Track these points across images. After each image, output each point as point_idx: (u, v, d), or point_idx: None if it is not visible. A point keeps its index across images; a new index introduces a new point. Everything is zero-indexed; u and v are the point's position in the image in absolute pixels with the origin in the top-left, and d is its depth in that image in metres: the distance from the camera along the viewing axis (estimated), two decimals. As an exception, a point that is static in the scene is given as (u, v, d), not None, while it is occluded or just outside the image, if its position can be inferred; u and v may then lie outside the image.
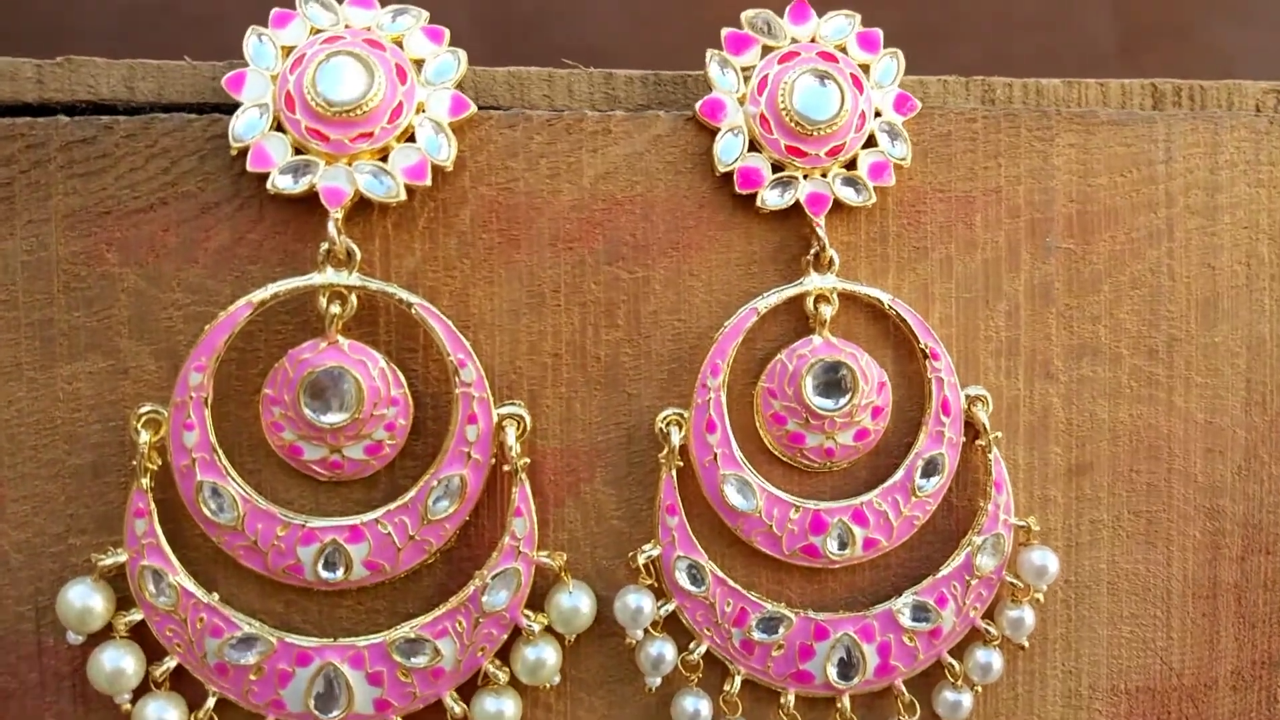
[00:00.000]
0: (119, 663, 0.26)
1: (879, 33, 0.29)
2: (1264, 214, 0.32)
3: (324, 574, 0.26)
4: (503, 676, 0.27)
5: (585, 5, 0.63)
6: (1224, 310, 0.32)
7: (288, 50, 0.26)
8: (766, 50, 0.29)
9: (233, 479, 0.26)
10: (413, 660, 0.26)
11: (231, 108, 0.27)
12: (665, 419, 0.28)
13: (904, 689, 0.29)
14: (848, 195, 0.28)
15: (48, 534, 0.27)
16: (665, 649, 0.28)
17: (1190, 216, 0.31)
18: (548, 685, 0.28)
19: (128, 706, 0.26)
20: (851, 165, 0.29)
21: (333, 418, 0.26)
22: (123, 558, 0.26)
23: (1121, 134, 0.31)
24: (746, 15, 0.29)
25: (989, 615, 0.30)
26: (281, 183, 0.25)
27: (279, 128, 0.26)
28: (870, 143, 0.29)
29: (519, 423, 0.27)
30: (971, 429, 0.30)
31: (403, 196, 0.26)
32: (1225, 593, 0.32)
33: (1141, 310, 0.31)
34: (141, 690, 0.26)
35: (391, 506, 0.26)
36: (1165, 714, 0.32)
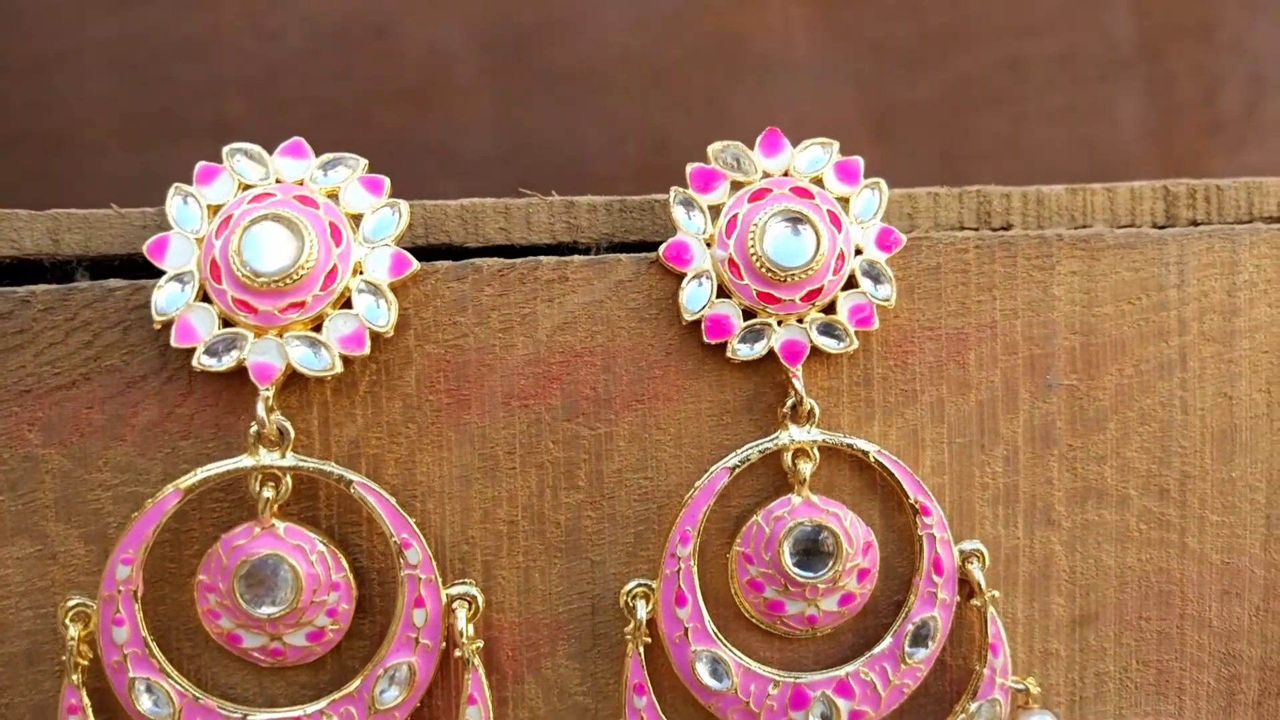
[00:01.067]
0: None
1: (859, 162, 0.27)
2: (1287, 335, 0.29)
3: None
4: None
5: (585, 18, 0.61)
6: (1242, 443, 0.29)
7: (215, 209, 0.24)
8: (736, 186, 0.26)
9: (167, 674, 0.24)
10: None
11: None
12: (630, 592, 0.26)
13: None
14: (827, 344, 0.26)
15: (-22, 726, 0.25)
16: (636, 837, 0.26)
17: (1205, 344, 0.29)
18: None
19: None
20: (830, 309, 0.26)
21: (269, 610, 0.24)
22: (53, 757, 0.24)
23: (1129, 258, 0.28)
24: (714, 149, 0.26)
25: (986, 785, 0.28)
26: (207, 361, 0.23)
27: (205, 298, 0.24)
28: (850, 283, 0.26)
29: (470, 604, 0.25)
30: (966, 586, 0.27)
31: (339, 369, 0.24)
32: (1244, 741, 0.30)
33: (1151, 448, 0.29)
34: None
35: (336, 696, 0.24)
36: None
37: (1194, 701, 0.29)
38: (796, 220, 0.25)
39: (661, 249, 0.26)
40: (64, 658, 0.24)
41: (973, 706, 0.27)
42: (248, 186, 0.25)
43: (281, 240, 0.23)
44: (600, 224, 0.28)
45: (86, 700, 0.24)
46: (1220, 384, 0.29)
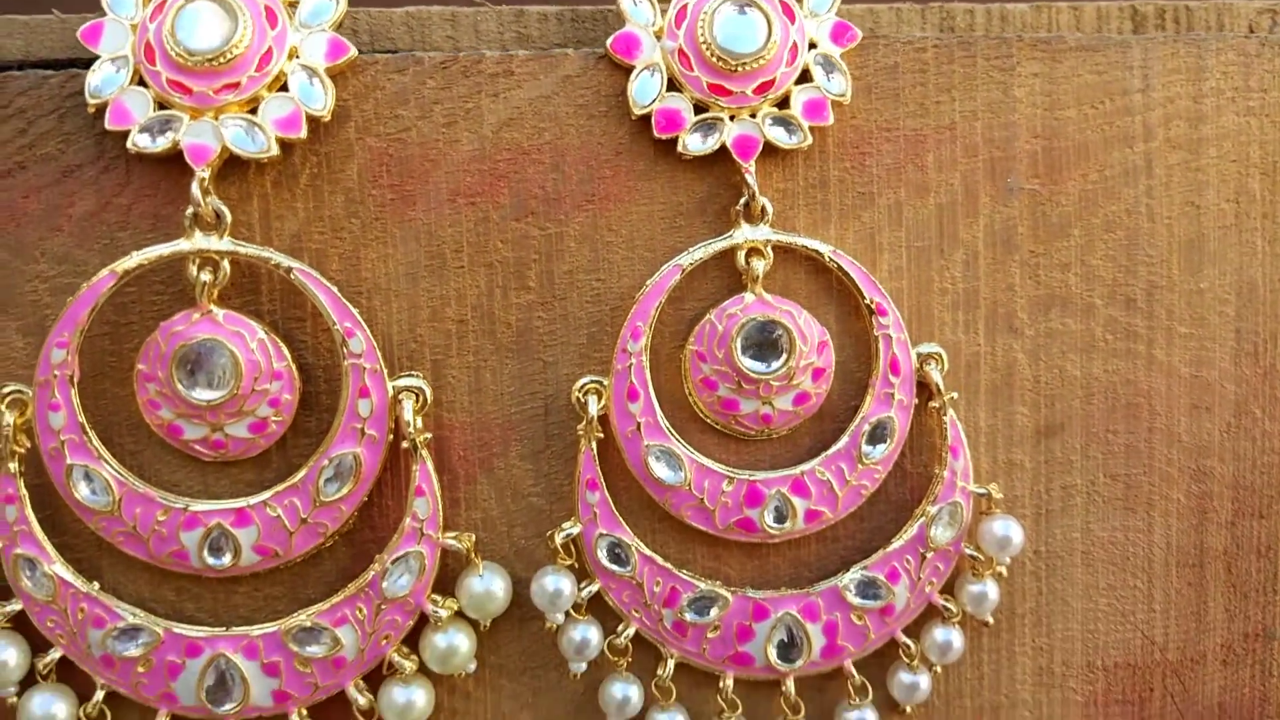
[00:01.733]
0: (2, 654, 0.24)
1: (812, -47, 0.26)
2: (1254, 145, 0.28)
3: (210, 560, 0.24)
4: (409, 665, 0.25)
5: None
6: (1210, 253, 0.28)
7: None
8: (685, -24, 0.26)
9: (106, 461, 0.24)
10: (310, 649, 0.24)
11: (88, 61, 0.25)
12: (582, 388, 0.25)
13: (854, 671, 0.27)
14: (779, 137, 0.25)
15: (-76, 523, 0.25)
16: (589, 633, 0.26)
17: (1171, 151, 0.28)
18: (463, 674, 0.25)
19: (14, 699, 0.24)
20: (784, 104, 0.26)
21: (207, 394, 0.23)
22: (-4, 546, 0.24)
23: (1092, 60, 0.28)
24: (662, -62, 0.26)
25: (948, 590, 0.27)
26: (141, 141, 0.23)
27: (141, 82, 0.23)
28: (805, 78, 0.26)
29: (418, 395, 0.25)
30: (925, 390, 0.27)
31: (274, 151, 0.23)
32: (1214, 560, 0.29)
33: (1117, 256, 0.28)
34: (27, 683, 0.25)
35: (280, 488, 0.24)
36: (1148, 691, 0.29)
37: (1164, 518, 0.29)
38: (746, 5, 0.25)
39: (609, 40, 0.25)
40: None
41: (933, 510, 0.27)
42: (182, -28, 0.24)
43: (215, 19, 0.23)
44: (551, 34, 0.27)
45: (24, 490, 0.24)
46: (1187, 192, 0.28)
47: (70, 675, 0.25)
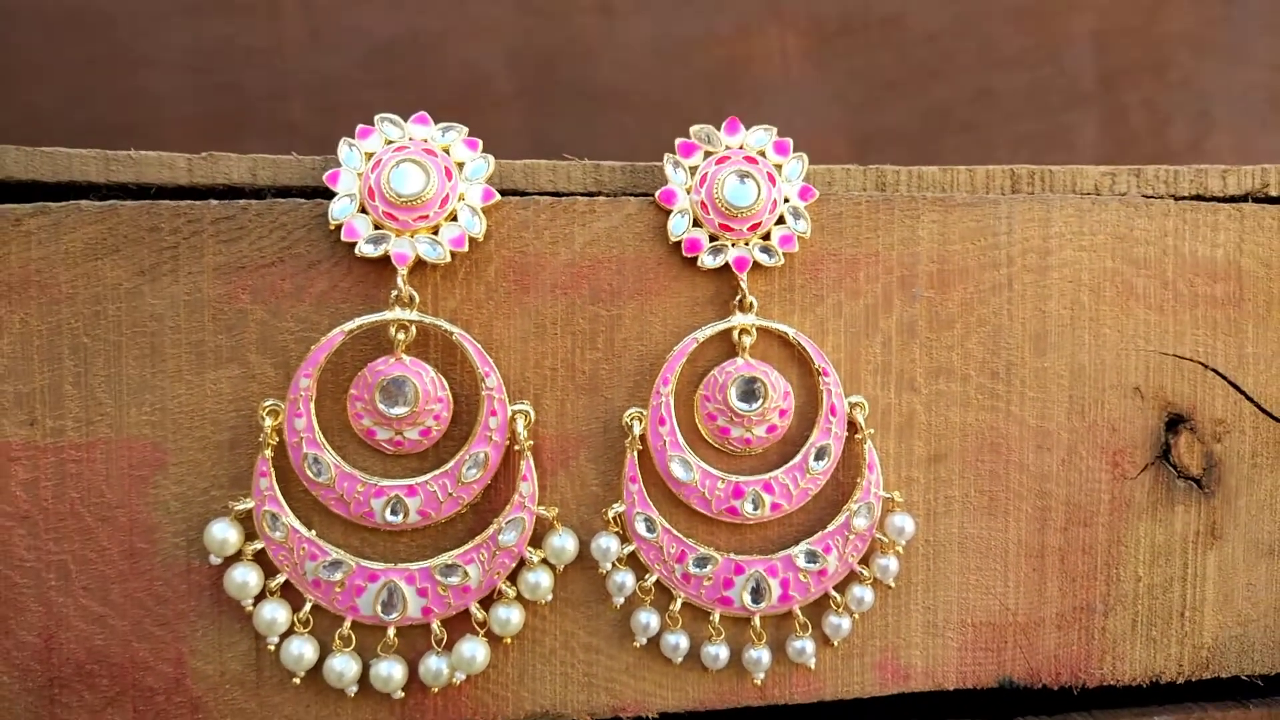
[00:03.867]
0: (246, 577, 0.38)
1: (789, 141, 0.41)
2: (1085, 271, 0.43)
3: (389, 518, 0.38)
4: (511, 593, 0.39)
5: (606, 41, 0.73)
6: (1051, 343, 0.43)
7: (369, 155, 0.38)
8: (707, 154, 0.40)
9: (328, 451, 0.38)
10: (449, 579, 0.38)
11: (327, 193, 0.39)
12: (630, 415, 0.40)
13: (800, 613, 0.41)
14: (763, 258, 0.40)
15: (196, 489, 0.38)
16: (627, 578, 0.39)
17: (1026, 273, 0.43)
18: (544, 601, 0.39)
19: (250, 608, 0.38)
20: (767, 237, 0.40)
21: (398, 410, 0.37)
22: (250, 504, 0.38)
23: (973, 212, 0.42)
24: (693, 130, 0.40)
25: (864, 562, 0.41)
26: (365, 250, 0.37)
27: (363, 210, 0.38)
28: (781, 221, 0.40)
29: (526, 416, 0.39)
30: (853, 427, 0.41)
31: (448, 259, 0.38)
32: (1051, 554, 0.43)
33: (986, 343, 0.42)
34: (260, 597, 0.38)
35: (436, 473, 0.38)
36: (1003, 643, 0.43)
37: (1016, 522, 0.43)
38: (745, 176, 0.39)
39: (657, 193, 0.40)
40: (259, 439, 0.37)
41: (855, 505, 0.41)
42: (390, 141, 0.38)
43: (416, 174, 0.37)
44: (618, 181, 0.42)
45: (273, 469, 0.38)
46: (1037, 301, 0.43)
47: (287, 594, 0.38)
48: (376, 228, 0.37)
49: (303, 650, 0.38)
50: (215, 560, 0.38)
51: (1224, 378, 0.45)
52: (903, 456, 0.42)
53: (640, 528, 0.39)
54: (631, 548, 0.40)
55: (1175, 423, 0.44)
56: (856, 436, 0.41)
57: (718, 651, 0.40)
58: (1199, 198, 0.45)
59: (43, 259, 0.37)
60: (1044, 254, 0.43)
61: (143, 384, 0.38)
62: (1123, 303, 0.43)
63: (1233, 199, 0.45)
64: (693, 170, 0.40)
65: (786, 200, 0.40)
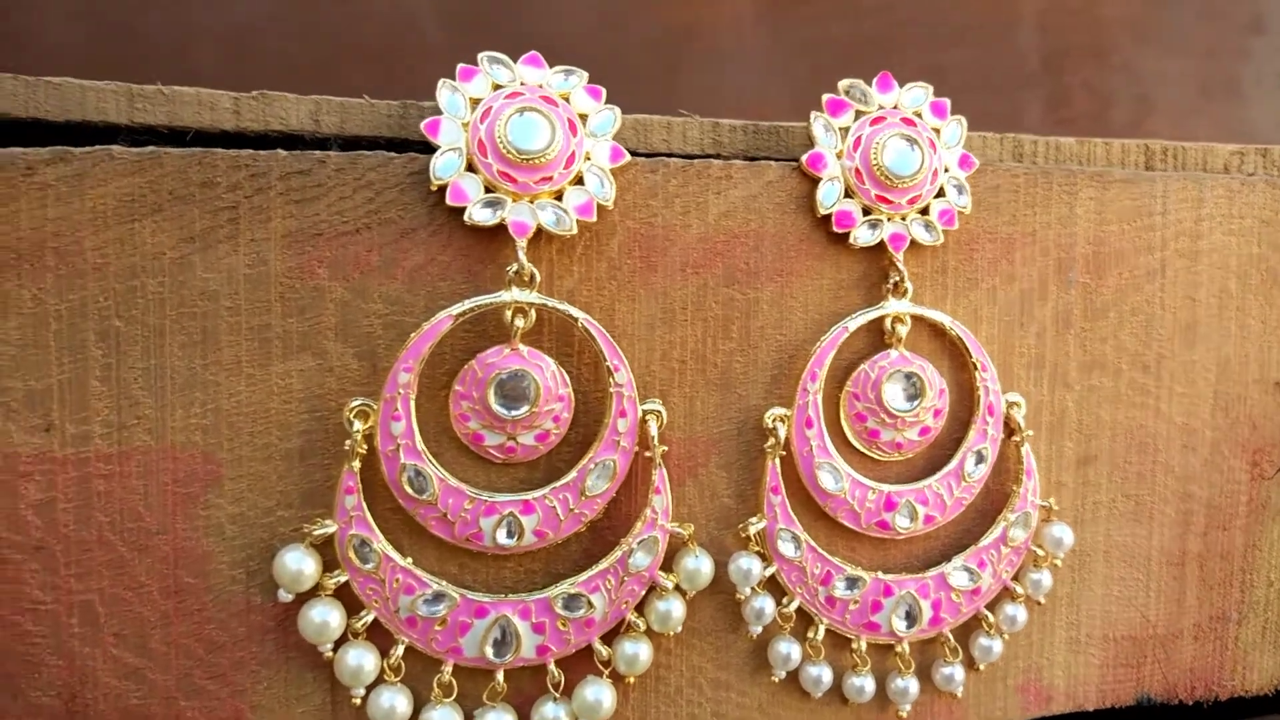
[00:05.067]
0: (326, 616, 0.31)
1: (947, 101, 0.36)
2: (1234, 257, 0.40)
3: (503, 540, 0.32)
4: (641, 625, 0.33)
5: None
6: (1200, 334, 0.40)
7: (475, 101, 0.32)
8: (859, 114, 0.35)
9: (430, 462, 0.31)
10: (571, 612, 0.32)
11: (404, 143, 0.32)
12: (773, 417, 0.34)
13: (950, 636, 0.37)
14: (922, 236, 0.35)
15: (259, 508, 0.32)
16: (766, 604, 0.35)
17: (1178, 258, 0.39)
18: (673, 633, 0.34)
19: (330, 654, 0.32)
20: (925, 211, 0.35)
21: (517, 411, 0.31)
22: (332, 529, 0.31)
23: (1130, 190, 0.38)
24: (843, 84, 0.35)
25: (1016, 577, 0.37)
26: (480, 216, 0.31)
27: (471, 168, 0.31)
28: (940, 193, 0.36)
29: (659, 417, 0.33)
30: (1008, 427, 0.37)
31: (575, 231, 0.32)
32: (1191, 561, 0.41)
33: (1139, 333, 0.39)
34: (340, 640, 0.32)
35: (556, 485, 0.32)
36: (1142, 658, 0.40)
37: (1160, 527, 0.40)
38: (912, 141, 0.34)
39: (804, 158, 0.35)
40: (346, 446, 0.31)
41: (1012, 517, 0.37)
42: (498, 86, 0.32)
43: (541, 127, 0.31)
44: (738, 142, 0.36)
45: (359, 483, 0.31)
46: (1187, 289, 0.39)
47: (373, 635, 0.32)
48: (488, 190, 0.31)
49: (395, 702, 0.32)
50: (285, 597, 0.31)
51: (1354, 371, 0.42)
52: (1053, 459, 0.38)
53: (786, 547, 0.35)
54: (772, 569, 0.35)
55: (1308, 419, 0.42)
56: (1013, 439, 0.37)
57: (863, 683, 0.36)
58: (1313, 178, 0.43)
59: (62, 219, 0.29)
60: (1195, 237, 0.39)
61: (191, 379, 0.31)
62: (1267, 291, 0.41)
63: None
64: (843, 132, 0.35)
65: (947, 170, 0.36)
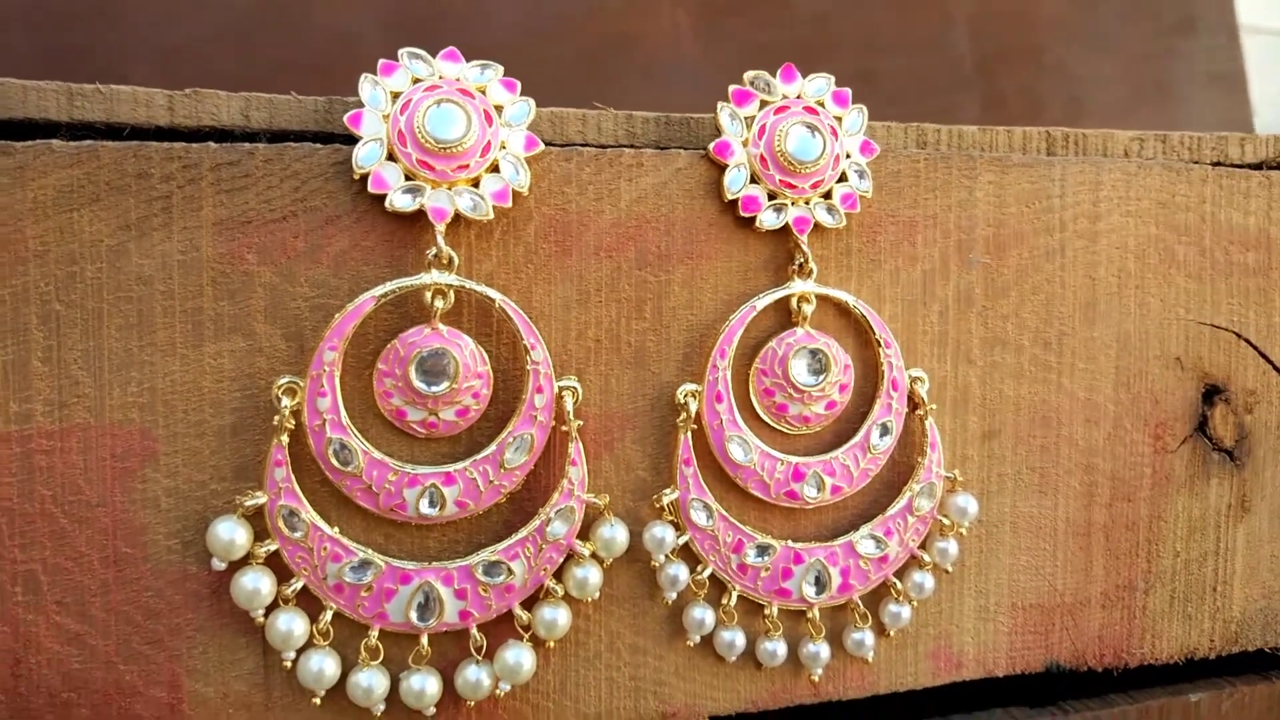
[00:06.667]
0: (257, 584, 0.35)
1: (849, 91, 0.40)
2: (1131, 237, 0.44)
3: (426, 510, 0.35)
4: (559, 591, 0.37)
5: (481, 11, 0.72)
6: (1101, 311, 0.44)
7: (395, 95, 0.35)
8: (763, 104, 0.39)
9: (355, 436, 0.35)
10: (493, 579, 0.36)
11: (329, 136, 0.36)
12: (685, 392, 0.38)
13: (859, 603, 0.41)
14: (825, 219, 0.39)
15: (193, 481, 0.35)
16: (680, 571, 0.38)
17: (1077, 239, 0.43)
18: (591, 599, 0.38)
19: (261, 619, 0.35)
20: (828, 195, 0.39)
21: (438, 388, 0.35)
22: (262, 499, 0.35)
23: (1029, 174, 0.43)
24: (748, 75, 0.39)
25: (923, 546, 0.41)
26: (399, 202, 0.35)
27: (391, 158, 0.35)
28: (843, 178, 0.40)
29: (574, 393, 0.37)
30: (912, 402, 0.41)
31: (491, 216, 0.35)
32: (1096, 531, 0.45)
33: (1039, 311, 0.43)
34: (271, 607, 0.35)
35: (477, 457, 0.36)
36: (1051, 626, 0.45)
37: (1065, 499, 0.44)
38: (813, 128, 0.38)
39: (711, 145, 0.39)
40: (274, 422, 0.34)
41: (917, 487, 0.41)
42: (417, 80, 0.36)
43: (457, 117, 0.35)
44: (651, 132, 0.40)
45: (289, 457, 0.35)
46: (1087, 268, 0.44)
47: (303, 601, 0.36)
48: (408, 178, 0.35)
49: (323, 665, 0.35)
50: (219, 565, 0.34)
51: (1255, 348, 0.47)
52: (957, 434, 0.42)
53: (697, 516, 0.38)
54: (686, 538, 0.38)
55: (1210, 394, 0.46)
56: (917, 413, 0.41)
57: (775, 647, 0.40)
58: (1219, 164, 0.47)
59: (4, 209, 0.33)
60: (1094, 219, 0.44)
61: (128, 359, 0.34)
62: (1165, 271, 0.45)
63: (1249, 166, 0.47)
64: (749, 121, 0.39)
65: (849, 156, 0.40)
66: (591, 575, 0.37)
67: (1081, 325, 0.44)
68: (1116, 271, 0.44)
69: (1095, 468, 0.45)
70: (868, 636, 0.41)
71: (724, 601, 0.39)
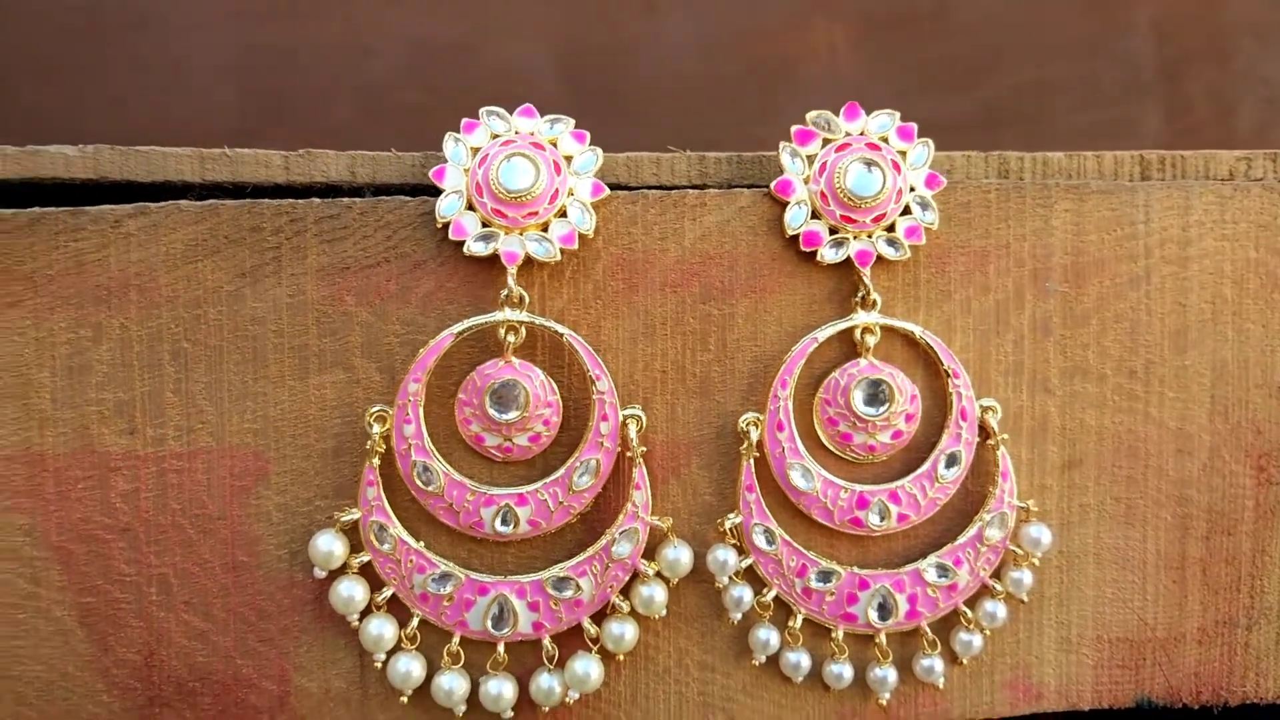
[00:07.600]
0: (352, 591, 0.40)
1: (914, 126, 0.42)
2: (1227, 262, 0.44)
3: (500, 528, 0.40)
4: (625, 607, 0.40)
5: (650, 40, 0.76)
6: (1192, 339, 0.44)
7: (475, 150, 0.40)
8: (825, 141, 0.42)
9: (436, 459, 0.39)
10: (561, 593, 0.40)
11: (427, 189, 0.41)
12: (746, 421, 0.41)
13: (928, 630, 0.42)
14: (888, 252, 0.41)
15: (300, 498, 0.40)
16: (745, 592, 0.41)
17: (1165, 265, 0.44)
18: (657, 616, 0.41)
19: (356, 624, 0.40)
20: (891, 229, 0.41)
21: (509, 416, 0.39)
22: (356, 515, 0.40)
23: (1109, 201, 0.43)
24: (810, 116, 0.42)
25: (996, 575, 0.43)
26: (475, 248, 0.39)
27: (470, 207, 0.39)
28: (906, 211, 0.42)
29: (638, 421, 0.40)
30: (984, 432, 0.42)
31: (558, 258, 0.39)
32: (1192, 565, 0.45)
33: (1123, 339, 0.44)
34: (365, 612, 0.40)
35: (547, 480, 0.40)
36: (1141, 661, 0.45)
37: (1155, 531, 0.44)
38: (870, 163, 0.40)
39: (772, 184, 0.41)
40: (366, 446, 0.39)
41: (987, 516, 0.42)
42: (496, 135, 0.40)
43: (525, 168, 0.39)
44: (724, 172, 0.43)
45: (380, 478, 0.40)
46: (1176, 295, 0.44)
47: (393, 609, 0.40)
48: (484, 225, 0.39)
49: (410, 667, 0.40)
50: (320, 573, 0.40)
51: (1379, 375, 0.45)
52: (1035, 463, 0.43)
53: (759, 540, 0.41)
54: (749, 561, 0.41)
55: (1326, 424, 0.45)
56: (989, 442, 0.42)
57: (841, 670, 0.42)
58: (1348, 180, 0.46)
59: (142, 261, 0.39)
60: (1183, 244, 0.44)
61: (244, 390, 0.40)
62: (1267, 295, 0.44)
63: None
64: (810, 159, 0.42)
65: (912, 189, 0.42)
66: (657, 594, 0.40)
67: (1171, 353, 0.44)
68: (1210, 298, 0.44)
69: (1190, 500, 0.44)
70: (937, 663, 0.42)
71: (790, 624, 0.42)
